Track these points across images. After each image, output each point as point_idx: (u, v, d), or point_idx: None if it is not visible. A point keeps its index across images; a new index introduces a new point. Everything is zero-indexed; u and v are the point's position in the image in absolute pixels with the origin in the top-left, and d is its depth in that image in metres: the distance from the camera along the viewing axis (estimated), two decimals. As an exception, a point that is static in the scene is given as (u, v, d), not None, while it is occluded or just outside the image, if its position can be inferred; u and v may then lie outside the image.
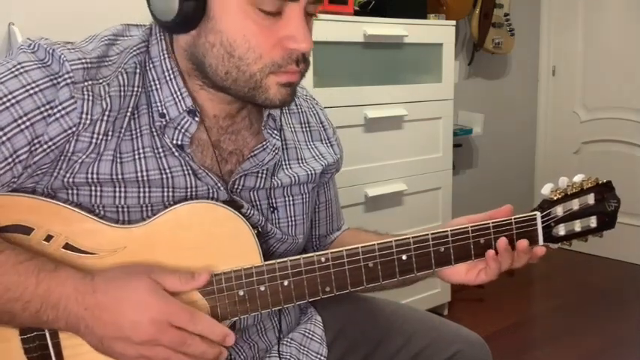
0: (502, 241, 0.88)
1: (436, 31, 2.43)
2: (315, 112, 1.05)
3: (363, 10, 2.32)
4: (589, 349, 2.39)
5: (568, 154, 3.57)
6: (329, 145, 1.05)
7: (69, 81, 0.78)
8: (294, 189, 0.97)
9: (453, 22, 2.50)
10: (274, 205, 0.95)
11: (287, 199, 0.96)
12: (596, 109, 3.46)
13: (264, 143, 0.92)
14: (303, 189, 0.98)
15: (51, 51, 0.79)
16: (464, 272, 0.92)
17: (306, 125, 1.03)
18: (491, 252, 0.89)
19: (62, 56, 0.78)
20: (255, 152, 0.91)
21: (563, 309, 2.77)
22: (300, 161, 0.99)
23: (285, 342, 0.99)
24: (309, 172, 0.98)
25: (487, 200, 3.38)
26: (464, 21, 3.04)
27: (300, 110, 1.03)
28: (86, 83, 0.79)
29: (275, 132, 0.93)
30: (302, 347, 0.99)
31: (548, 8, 3.58)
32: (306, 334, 1.01)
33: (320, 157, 1.01)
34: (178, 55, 0.85)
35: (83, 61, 0.79)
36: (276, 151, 0.93)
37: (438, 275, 0.93)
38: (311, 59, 0.88)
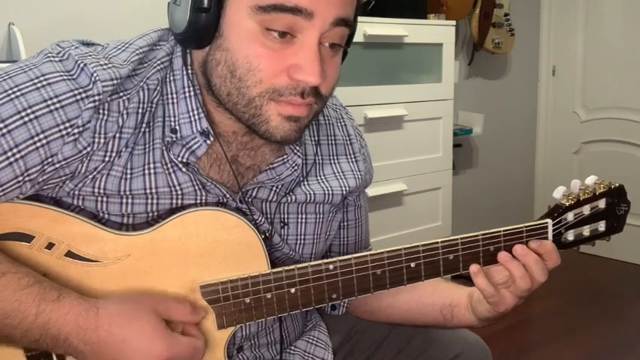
0: (501, 255, 0.87)
1: (436, 31, 2.43)
2: (343, 123, 0.99)
3: (363, 10, 2.32)
4: (589, 349, 2.39)
5: (568, 154, 3.56)
6: (354, 160, 0.97)
7: (97, 103, 0.74)
8: (309, 207, 0.93)
9: (453, 22, 2.50)
10: (285, 221, 0.91)
11: (300, 216, 0.92)
12: (596, 109, 3.45)
13: (284, 157, 0.87)
14: (318, 209, 0.94)
15: (82, 65, 0.74)
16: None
17: (332, 138, 0.96)
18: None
19: (95, 75, 0.74)
20: (274, 165, 0.87)
21: (562, 309, 2.77)
22: (318, 178, 0.94)
23: (289, 350, 0.98)
24: (327, 192, 0.93)
25: (487, 200, 3.38)
26: (464, 21, 3.04)
27: (327, 122, 0.97)
28: (107, 99, 0.75)
29: (297, 148, 0.88)
30: (306, 354, 0.98)
31: (548, 8, 3.58)
32: (311, 340, 1.00)
33: (341, 174, 0.95)
34: (197, 70, 0.82)
35: (115, 82, 0.75)
36: (296, 168, 0.88)
37: (476, 315, 0.93)
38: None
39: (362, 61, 2.21)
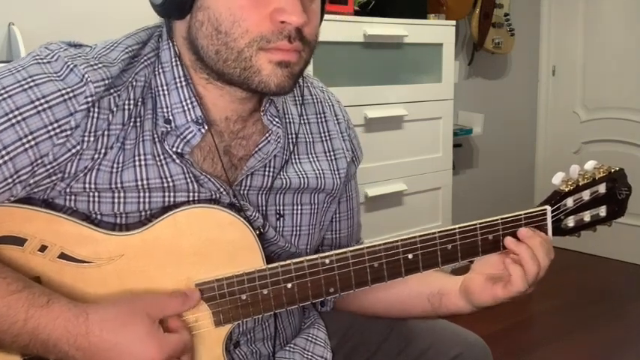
0: (508, 239, 0.87)
1: (436, 31, 2.43)
2: (330, 104, 0.99)
3: (363, 10, 2.33)
4: (589, 349, 2.39)
5: (568, 154, 3.56)
6: (342, 139, 0.98)
7: (90, 105, 0.74)
8: (304, 197, 0.93)
9: (453, 22, 2.51)
10: (281, 212, 0.91)
11: (295, 207, 0.92)
12: (596, 109, 3.45)
13: (267, 135, 0.87)
14: (313, 199, 0.94)
15: (72, 66, 0.75)
16: (489, 288, 0.90)
17: (322, 115, 0.97)
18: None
19: (86, 76, 0.74)
20: (260, 146, 0.87)
21: (562, 309, 2.76)
22: (310, 156, 0.94)
23: (288, 348, 0.97)
24: (318, 174, 0.93)
25: (487, 200, 3.38)
26: (464, 21, 3.04)
27: (315, 100, 0.97)
28: (98, 98, 0.75)
29: (276, 119, 0.87)
30: (305, 352, 0.98)
31: (548, 8, 3.58)
32: (310, 338, 1.00)
33: (332, 153, 0.96)
34: (182, 51, 0.82)
35: (107, 82, 0.76)
36: (279, 140, 0.88)
37: (473, 303, 0.92)
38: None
39: (362, 61, 2.22)
